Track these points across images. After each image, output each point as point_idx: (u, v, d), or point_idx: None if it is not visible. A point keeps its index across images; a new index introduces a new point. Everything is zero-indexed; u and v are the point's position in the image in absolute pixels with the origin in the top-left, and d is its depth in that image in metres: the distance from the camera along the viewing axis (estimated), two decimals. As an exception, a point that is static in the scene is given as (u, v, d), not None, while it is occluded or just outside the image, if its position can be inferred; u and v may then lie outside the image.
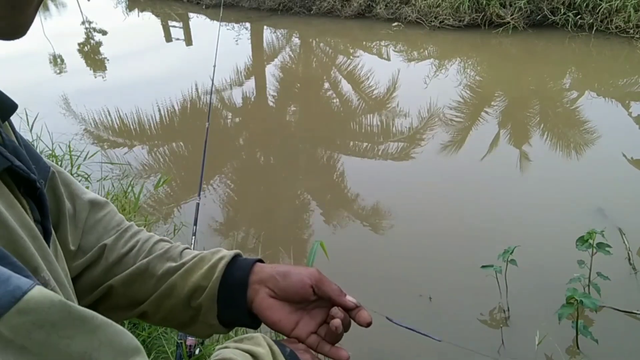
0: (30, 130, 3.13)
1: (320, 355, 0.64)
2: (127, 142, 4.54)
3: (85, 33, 9.20)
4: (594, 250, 2.17)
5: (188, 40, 8.34)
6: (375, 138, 4.44)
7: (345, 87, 5.69)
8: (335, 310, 0.62)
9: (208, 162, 1.94)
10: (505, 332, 2.25)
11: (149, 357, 1.77)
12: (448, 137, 4.16)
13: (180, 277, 0.63)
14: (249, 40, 7.87)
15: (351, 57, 6.65)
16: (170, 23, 9.14)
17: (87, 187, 0.71)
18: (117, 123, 4.87)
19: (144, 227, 0.72)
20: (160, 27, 9.26)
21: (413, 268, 2.71)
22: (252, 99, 5.62)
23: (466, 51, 6.39)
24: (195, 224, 1.70)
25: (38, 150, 0.57)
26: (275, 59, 6.88)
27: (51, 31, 8.20)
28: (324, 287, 0.61)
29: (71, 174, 0.68)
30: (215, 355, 0.55)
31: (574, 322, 2.03)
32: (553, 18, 6.36)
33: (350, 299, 0.62)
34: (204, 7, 9.40)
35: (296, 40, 7.79)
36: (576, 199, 3.14)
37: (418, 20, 7.06)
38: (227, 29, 8.11)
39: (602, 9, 6.04)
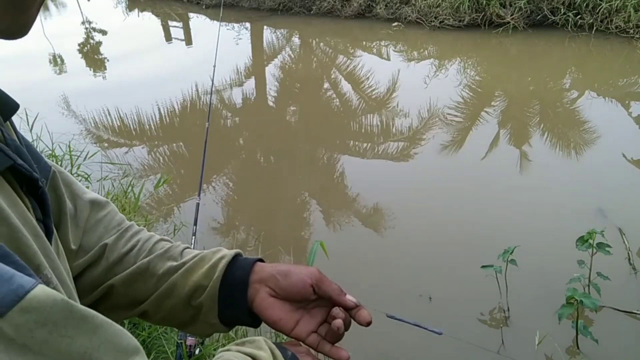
0: (30, 130, 3.13)
1: (320, 355, 0.64)
2: (127, 142, 4.54)
3: (85, 33, 9.20)
4: (594, 250, 2.17)
5: (188, 40, 8.34)
6: (375, 138, 4.44)
7: (345, 87, 5.69)
8: (337, 310, 0.62)
9: (208, 162, 1.94)
10: (505, 332, 2.25)
11: (149, 357, 1.77)
12: (448, 137, 4.16)
13: (180, 277, 0.63)
14: (249, 40, 7.86)
15: (351, 57, 6.65)
16: (170, 23, 9.14)
17: (87, 187, 0.71)
18: (117, 123, 4.87)
19: (144, 227, 0.72)
20: (160, 27, 9.26)
21: (413, 268, 2.71)
22: (252, 99, 5.62)
23: (466, 51, 6.39)
24: (195, 224, 1.70)
25: (38, 150, 0.58)
26: (275, 59, 6.88)
27: (51, 31, 8.21)
28: (324, 286, 0.61)
29: (71, 174, 0.69)
30: (216, 358, 0.55)
31: (574, 322, 2.03)
32: (553, 18, 6.36)
33: (350, 298, 0.62)
34: (204, 7, 9.40)
35: (296, 40, 7.79)
36: (576, 199, 3.14)
37: (418, 20, 7.06)
38: (227, 29, 8.11)
39: (602, 9, 6.04)
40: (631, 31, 5.82)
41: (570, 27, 6.21)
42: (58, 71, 7.22)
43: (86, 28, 9.57)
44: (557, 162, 3.69)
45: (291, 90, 6.03)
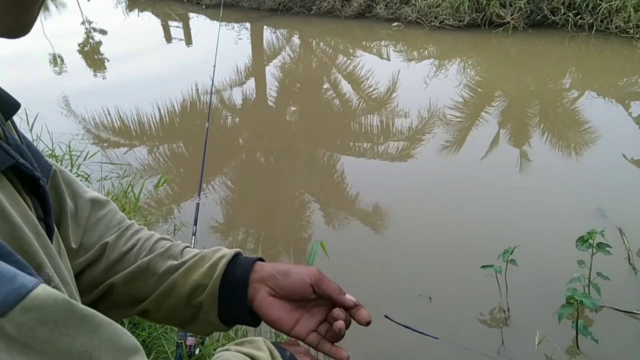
0: (30, 130, 3.14)
1: (320, 355, 0.64)
2: (127, 142, 4.54)
3: (85, 33, 9.20)
4: (594, 250, 2.17)
5: (188, 40, 8.34)
6: (375, 138, 4.44)
7: (345, 87, 5.69)
8: (338, 312, 0.62)
9: (208, 162, 1.94)
10: (505, 332, 2.25)
11: (149, 357, 1.77)
12: (448, 137, 4.16)
13: (181, 276, 0.63)
14: (249, 40, 7.87)
15: (351, 57, 6.65)
16: (170, 23, 9.14)
17: (87, 187, 0.71)
18: (117, 123, 4.87)
19: (144, 226, 0.73)
20: (160, 27, 9.26)
21: (413, 268, 2.71)
22: (252, 99, 5.62)
23: (466, 51, 6.39)
24: (195, 224, 1.70)
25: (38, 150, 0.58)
26: (275, 59, 6.88)
27: (51, 31, 8.21)
28: (323, 286, 0.62)
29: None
30: (215, 357, 0.55)
31: (574, 322, 2.03)
32: (553, 18, 6.36)
33: (349, 297, 0.62)
34: (204, 7, 9.40)
35: (296, 40, 7.79)
36: (576, 199, 3.14)
37: (418, 20, 7.06)
38: (227, 29, 8.11)
39: (602, 9, 6.04)
40: (631, 31, 5.82)
41: (570, 27, 6.21)
42: (58, 71, 7.22)
43: (86, 28, 9.57)
44: (557, 162, 3.69)
45: (291, 90, 6.03)
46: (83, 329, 0.33)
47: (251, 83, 6.12)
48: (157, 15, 9.93)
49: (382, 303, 2.37)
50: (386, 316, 1.94)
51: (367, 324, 0.61)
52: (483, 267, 2.29)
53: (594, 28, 6.10)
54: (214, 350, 1.70)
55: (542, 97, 4.91)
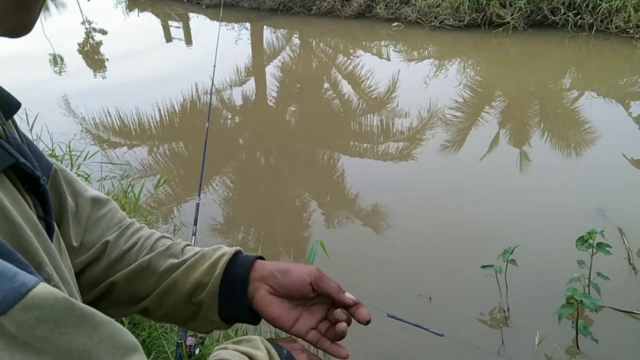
0: (30, 130, 3.14)
1: (320, 353, 0.64)
2: (127, 142, 4.54)
3: (85, 33, 9.19)
4: (594, 250, 2.17)
5: (188, 40, 8.34)
6: (375, 138, 4.44)
7: (345, 87, 5.69)
8: (341, 313, 0.62)
9: (208, 162, 1.94)
10: (505, 332, 2.25)
11: (149, 357, 1.77)
12: (448, 137, 4.16)
13: (182, 274, 0.64)
14: (249, 40, 7.87)
15: (351, 57, 6.65)
16: (170, 23, 9.14)
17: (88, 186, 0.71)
18: (117, 123, 4.87)
19: (145, 225, 0.73)
20: (160, 27, 9.26)
21: (413, 268, 2.71)
22: (252, 99, 5.62)
23: (466, 51, 6.39)
24: (195, 224, 1.70)
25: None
26: (275, 59, 6.88)
27: (51, 31, 8.20)
28: (323, 284, 0.62)
29: (71, 173, 0.69)
30: (213, 356, 0.55)
31: (574, 322, 2.03)
32: (553, 18, 6.36)
33: (349, 296, 0.62)
34: (204, 7, 9.40)
35: (296, 40, 7.79)
36: (576, 199, 3.14)
37: (418, 20, 7.06)
38: (227, 29, 8.11)
39: (602, 9, 6.04)
40: (631, 31, 5.82)
41: (570, 27, 6.21)
42: (58, 71, 7.22)
43: (86, 28, 9.56)
44: (557, 162, 3.69)
45: (291, 90, 6.03)
46: (83, 328, 0.33)
47: (251, 83, 6.12)
48: (157, 15, 9.93)
49: (382, 303, 2.36)
50: (389, 314, 1.94)
51: (367, 323, 0.62)
52: (483, 267, 2.29)
53: (594, 28, 6.10)
54: (214, 350, 1.69)
55: (542, 97, 4.91)
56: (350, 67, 6.23)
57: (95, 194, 0.68)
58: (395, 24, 7.21)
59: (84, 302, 0.64)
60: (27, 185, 0.45)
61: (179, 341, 1.36)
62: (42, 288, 0.31)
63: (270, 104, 5.60)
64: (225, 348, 0.57)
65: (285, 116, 5.36)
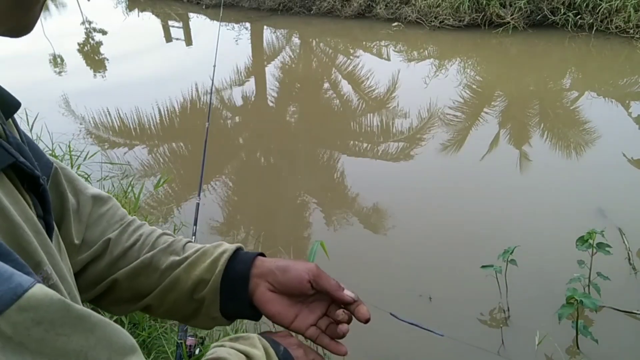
0: (30, 130, 3.13)
1: (320, 349, 0.65)
2: (127, 142, 4.54)
3: (85, 33, 9.19)
4: (594, 250, 2.17)
5: (188, 40, 8.34)
6: (375, 138, 4.44)
7: (345, 87, 5.69)
8: (342, 315, 0.63)
9: (208, 162, 1.94)
10: (505, 332, 2.25)
11: (148, 357, 1.77)
12: (448, 137, 4.16)
13: (183, 271, 0.64)
14: (249, 40, 7.87)
15: (351, 57, 6.65)
16: (170, 23, 9.14)
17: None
18: (117, 123, 4.87)
19: (146, 222, 0.74)
20: (160, 27, 9.26)
21: (413, 268, 2.71)
22: (252, 99, 5.62)
23: (466, 51, 6.39)
24: (195, 223, 1.70)
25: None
26: (275, 59, 6.88)
27: (51, 31, 8.20)
28: (322, 282, 0.62)
29: (72, 172, 0.69)
30: (210, 354, 0.55)
31: (574, 322, 2.03)
32: (553, 18, 6.36)
33: (348, 293, 0.63)
34: (204, 7, 9.40)
35: (296, 40, 7.79)
36: (576, 199, 3.14)
37: (418, 20, 7.06)
38: (227, 29, 8.11)
39: (602, 9, 6.04)
40: (631, 31, 5.82)
41: (570, 27, 6.21)
42: (58, 71, 7.22)
43: (86, 28, 9.56)
44: (557, 162, 3.69)
45: (291, 90, 6.03)
46: (79, 329, 0.33)
47: (251, 83, 6.12)
48: (157, 15, 9.93)
49: (382, 303, 2.36)
50: (391, 314, 1.94)
51: (367, 321, 0.62)
52: (483, 267, 2.29)
53: (594, 28, 6.10)
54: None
55: (542, 97, 4.91)
56: (350, 67, 6.23)
57: (96, 192, 0.68)
58: (395, 24, 7.21)
59: (86, 299, 0.64)
60: (27, 184, 0.46)
61: (179, 341, 1.36)
62: (39, 289, 0.31)
63: (270, 104, 5.60)
64: (222, 345, 0.58)
65: (285, 116, 5.36)
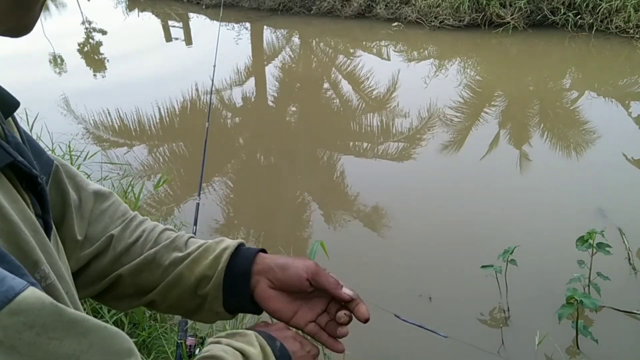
0: (30, 130, 3.13)
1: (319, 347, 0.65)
2: (127, 142, 4.54)
3: (85, 33, 9.19)
4: (594, 250, 2.17)
5: (188, 40, 8.34)
6: (375, 138, 4.44)
7: (345, 87, 5.69)
8: (344, 317, 0.63)
9: (208, 162, 1.94)
10: (505, 332, 2.25)
11: (148, 357, 1.77)
12: (448, 137, 4.16)
13: (186, 268, 0.65)
14: (249, 40, 7.86)
15: (351, 57, 6.65)
16: (170, 23, 9.13)
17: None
18: (117, 123, 4.87)
19: (147, 217, 0.74)
20: (160, 27, 9.26)
21: (413, 268, 2.71)
22: (252, 99, 5.62)
23: (466, 51, 6.39)
24: (195, 224, 1.70)
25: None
26: (275, 59, 6.88)
27: (51, 31, 8.20)
28: (320, 280, 0.63)
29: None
30: (205, 350, 0.55)
31: (574, 322, 2.03)
32: (553, 18, 6.36)
33: (346, 291, 0.63)
34: (204, 7, 9.40)
35: (296, 40, 7.79)
36: (576, 199, 3.14)
37: (418, 20, 7.06)
38: (227, 29, 8.11)
39: (602, 9, 6.04)
40: (631, 31, 5.82)
41: (570, 27, 6.21)
42: (58, 71, 7.22)
43: (86, 28, 9.56)
44: (557, 162, 3.69)
45: (291, 90, 6.03)
46: (71, 333, 0.33)
47: (251, 83, 6.12)
48: (157, 15, 9.93)
49: (382, 303, 2.37)
50: (395, 315, 1.95)
51: (366, 321, 0.62)
52: (483, 267, 2.29)
53: (594, 28, 6.10)
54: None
55: (542, 97, 4.91)
56: (350, 67, 6.23)
57: (97, 188, 0.69)
58: (395, 24, 7.21)
59: (90, 294, 0.65)
60: (25, 183, 0.46)
61: (179, 341, 1.36)
62: (30, 292, 0.31)
63: (270, 104, 5.60)
64: (218, 342, 0.58)
65: (285, 116, 5.36)
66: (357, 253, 2.89)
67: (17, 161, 0.43)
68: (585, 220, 2.73)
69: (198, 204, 1.74)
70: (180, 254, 0.66)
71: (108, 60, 7.52)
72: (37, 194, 0.47)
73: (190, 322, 1.71)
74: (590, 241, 2.14)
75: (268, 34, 7.99)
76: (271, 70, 6.43)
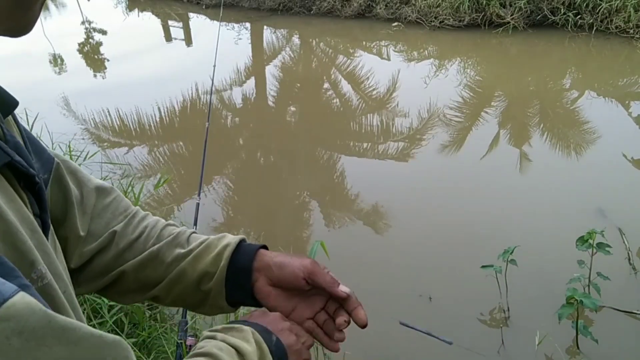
0: (30, 130, 3.13)
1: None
2: (127, 142, 4.54)
3: (85, 33, 9.19)
4: (594, 250, 2.17)
5: (188, 40, 8.34)
6: (375, 138, 4.44)
7: (345, 87, 5.69)
8: (344, 324, 0.64)
9: (208, 162, 1.94)
10: (505, 332, 2.25)
11: (148, 357, 1.77)
12: (448, 137, 4.16)
13: (188, 264, 0.66)
14: (249, 40, 7.87)
15: (351, 57, 6.65)
16: (170, 23, 9.13)
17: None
18: (117, 123, 4.87)
19: (149, 213, 0.75)
20: (160, 27, 9.26)
21: (413, 268, 2.71)
22: (252, 99, 5.62)
23: (466, 51, 6.39)
24: (195, 224, 1.69)
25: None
26: (275, 59, 6.88)
27: (51, 31, 8.20)
28: (316, 278, 0.63)
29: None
30: (200, 347, 0.55)
31: (574, 322, 2.03)
32: (553, 18, 6.36)
33: (342, 288, 0.64)
34: (204, 7, 9.40)
35: (296, 40, 7.79)
36: (576, 199, 3.14)
37: (418, 20, 7.06)
38: (227, 29, 8.11)
39: (602, 9, 6.04)
40: (631, 31, 5.82)
41: (570, 27, 6.21)
42: (58, 71, 7.22)
43: (86, 28, 9.56)
44: (557, 162, 3.69)
45: (291, 90, 6.03)
46: (62, 341, 0.33)
47: (251, 83, 6.12)
48: (157, 15, 9.93)
49: (382, 303, 2.37)
50: (401, 322, 1.96)
51: (364, 326, 0.63)
52: (483, 267, 2.29)
53: (594, 28, 6.10)
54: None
55: (542, 97, 4.91)
56: (350, 67, 6.23)
57: (99, 183, 0.69)
58: (395, 24, 7.21)
59: (94, 289, 0.66)
60: (23, 182, 0.46)
61: (179, 341, 1.36)
62: (20, 298, 0.31)
63: (270, 104, 5.60)
64: (213, 337, 0.57)
65: (285, 116, 5.36)
66: (357, 253, 2.89)
67: (15, 160, 0.43)
68: (585, 220, 2.73)
69: (198, 204, 1.74)
70: (182, 251, 0.67)
71: (108, 60, 7.52)
72: (35, 193, 0.47)
73: (190, 322, 1.71)
74: (590, 241, 2.14)
75: (268, 34, 7.99)
76: (271, 70, 6.43)
